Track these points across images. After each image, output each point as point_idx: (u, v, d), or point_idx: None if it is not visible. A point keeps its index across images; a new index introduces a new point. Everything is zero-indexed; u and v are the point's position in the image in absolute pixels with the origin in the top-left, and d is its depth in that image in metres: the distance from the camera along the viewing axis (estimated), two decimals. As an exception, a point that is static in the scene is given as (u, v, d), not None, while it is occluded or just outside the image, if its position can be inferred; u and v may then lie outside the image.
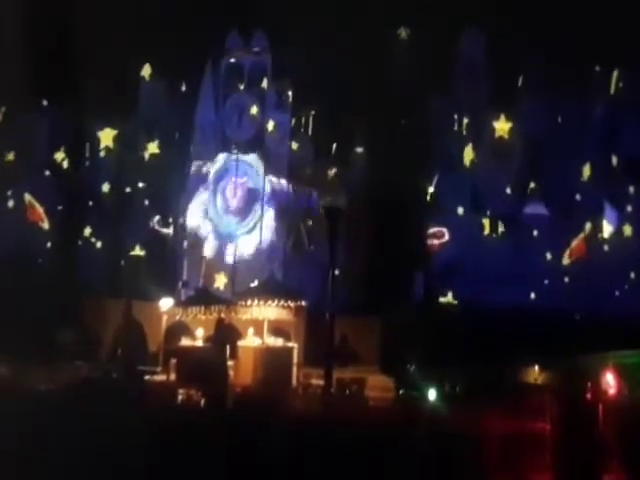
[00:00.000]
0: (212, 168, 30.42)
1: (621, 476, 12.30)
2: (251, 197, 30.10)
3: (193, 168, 30.56)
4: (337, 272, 18.78)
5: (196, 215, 30.22)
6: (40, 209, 30.33)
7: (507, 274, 28.25)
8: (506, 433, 13.78)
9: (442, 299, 29.01)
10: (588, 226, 29.91)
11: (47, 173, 31.52)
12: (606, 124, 32.08)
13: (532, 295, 28.36)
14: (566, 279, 29.36)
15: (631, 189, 31.01)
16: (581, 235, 29.73)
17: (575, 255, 29.56)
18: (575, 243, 29.69)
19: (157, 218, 30.62)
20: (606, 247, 30.06)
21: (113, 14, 29.13)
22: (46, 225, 30.36)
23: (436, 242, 30.83)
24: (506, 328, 22.75)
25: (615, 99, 32.63)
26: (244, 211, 30.06)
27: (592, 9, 29.69)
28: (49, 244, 30.33)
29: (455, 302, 28.91)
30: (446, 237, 30.84)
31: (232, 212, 30.18)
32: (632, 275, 29.64)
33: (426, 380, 18.99)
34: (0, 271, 25.28)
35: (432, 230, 30.97)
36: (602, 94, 32.68)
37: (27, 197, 30.44)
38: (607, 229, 29.70)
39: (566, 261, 29.72)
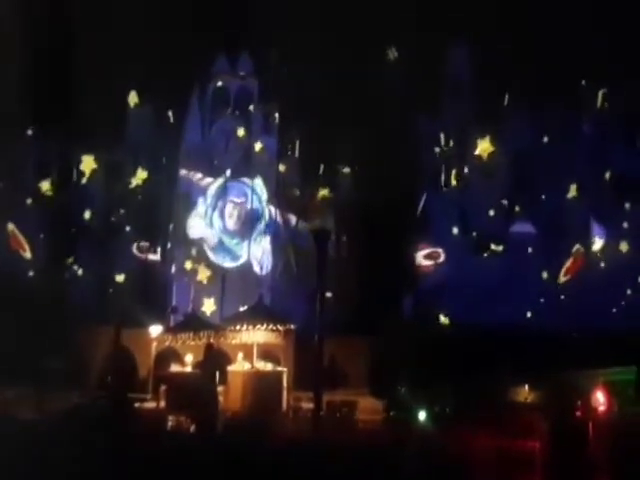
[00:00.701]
0: (210, 188, 30.55)
1: (611, 494, 12.28)
2: (248, 220, 30.23)
3: (193, 180, 30.60)
4: (326, 294, 18.74)
5: (186, 239, 30.28)
6: (22, 238, 30.25)
7: (495, 293, 28.16)
8: (496, 452, 13.71)
9: (442, 319, 28.73)
10: (580, 245, 29.90)
11: (31, 202, 31.36)
12: (593, 141, 32.20)
13: (522, 314, 28.29)
14: (556, 297, 29.32)
15: (620, 205, 31.02)
16: (576, 252, 29.66)
17: (571, 272, 29.48)
18: (571, 260, 29.63)
19: (140, 244, 30.51)
20: (597, 264, 30.04)
21: (99, 42, 29.17)
22: (28, 254, 30.27)
23: (431, 263, 30.48)
24: (495, 347, 22.72)
25: (602, 116, 32.77)
26: (240, 233, 30.19)
27: (579, 26, 29.87)
28: (36, 272, 30.18)
29: (446, 322, 28.77)
30: (442, 258, 30.41)
31: (229, 233, 30.29)
32: (623, 292, 29.56)
33: (416, 401, 18.97)
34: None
35: (427, 251, 30.51)
36: (589, 111, 32.85)
37: (10, 226, 30.38)
38: (595, 246, 29.73)
39: (562, 279, 29.62)
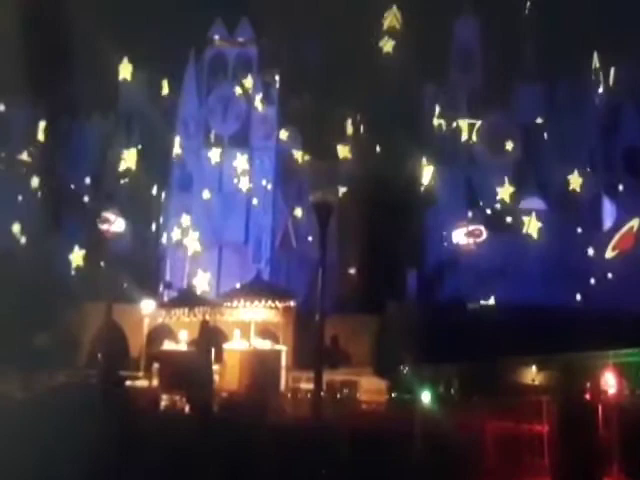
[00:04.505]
0: (199, 162, 29.96)
1: (621, 479, 11.66)
2: (239, 193, 29.70)
3: (178, 161, 30.11)
4: (328, 271, 18.08)
5: (181, 212, 29.73)
6: None
7: (502, 271, 27.70)
8: (502, 435, 13.31)
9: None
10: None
11: (13, 171, 30.72)
12: (604, 115, 31.64)
13: (530, 293, 27.59)
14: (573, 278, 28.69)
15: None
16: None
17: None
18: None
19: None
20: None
21: (91, 6, 28.39)
22: None
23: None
24: (503, 327, 22.14)
25: (613, 90, 32.19)
26: (231, 208, 29.63)
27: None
28: (23, 246, 29.55)
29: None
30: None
31: (219, 208, 29.71)
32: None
33: (420, 382, 18.42)
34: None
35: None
36: (600, 85, 32.29)
37: None
38: (606, 222, 29.07)
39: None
